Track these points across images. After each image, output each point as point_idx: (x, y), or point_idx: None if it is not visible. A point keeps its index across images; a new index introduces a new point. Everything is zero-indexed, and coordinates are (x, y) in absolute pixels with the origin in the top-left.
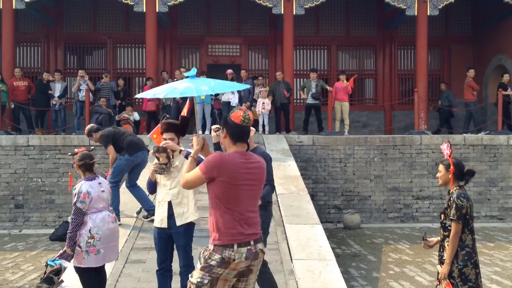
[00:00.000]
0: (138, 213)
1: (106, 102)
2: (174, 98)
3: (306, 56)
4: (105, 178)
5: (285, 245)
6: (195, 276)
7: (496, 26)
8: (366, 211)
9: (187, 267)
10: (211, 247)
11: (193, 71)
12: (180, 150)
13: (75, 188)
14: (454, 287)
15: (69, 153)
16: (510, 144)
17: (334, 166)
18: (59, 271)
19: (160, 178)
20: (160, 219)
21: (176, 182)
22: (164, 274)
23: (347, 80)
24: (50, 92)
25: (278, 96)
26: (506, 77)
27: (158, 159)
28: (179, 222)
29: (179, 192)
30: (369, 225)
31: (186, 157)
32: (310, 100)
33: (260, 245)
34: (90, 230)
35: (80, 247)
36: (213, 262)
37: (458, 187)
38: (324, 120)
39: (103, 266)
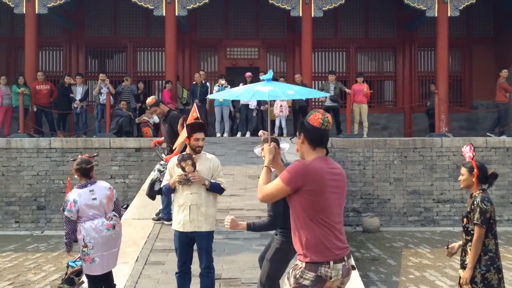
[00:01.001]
0: (157, 215)
1: (126, 105)
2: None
3: (324, 58)
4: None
5: None
6: None
7: None
8: (385, 215)
9: (208, 268)
10: (302, 264)
11: (270, 73)
12: (206, 182)
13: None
14: None
15: (71, 159)
16: None
17: (353, 168)
18: (79, 272)
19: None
20: (182, 223)
21: (198, 187)
22: (183, 277)
23: (367, 85)
24: (71, 95)
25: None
26: None
27: (183, 169)
28: (201, 228)
29: (201, 196)
30: (389, 229)
31: (211, 189)
32: (328, 103)
33: (351, 261)
34: (83, 239)
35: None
36: (306, 282)
37: (481, 191)
38: (342, 123)
39: (109, 273)
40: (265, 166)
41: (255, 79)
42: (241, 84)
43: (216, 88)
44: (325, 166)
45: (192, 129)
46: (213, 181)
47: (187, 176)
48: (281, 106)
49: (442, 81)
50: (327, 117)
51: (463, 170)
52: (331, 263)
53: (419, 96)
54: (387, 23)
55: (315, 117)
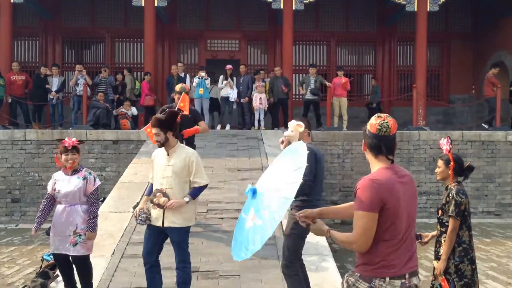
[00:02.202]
0: (134, 207)
1: (104, 96)
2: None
3: (305, 52)
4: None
5: (281, 241)
6: None
7: (497, 22)
8: None
9: (183, 262)
10: (357, 273)
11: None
12: (185, 199)
13: (90, 173)
14: (449, 283)
15: (57, 139)
16: (508, 140)
17: (332, 161)
18: (54, 266)
19: (156, 177)
20: (156, 217)
21: (172, 181)
22: (152, 270)
23: (347, 78)
24: (47, 86)
25: (276, 91)
26: None
27: (159, 205)
28: (175, 223)
29: (175, 192)
30: None
31: (194, 197)
32: (309, 96)
33: (415, 280)
34: None
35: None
36: None
37: (456, 183)
38: (322, 116)
39: None
40: (327, 233)
41: (236, 72)
42: (221, 76)
43: (196, 80)
44: (393, 176)
45: (151, 122)
46: (195, 185)
47: (140, 218)
48: (260, 98)
49: (421, 76)
50: (387, 122)
51: (440, 163)
52: (387, 278)
53: (398, 90)
54: (367, 17)
55: (373, 122)
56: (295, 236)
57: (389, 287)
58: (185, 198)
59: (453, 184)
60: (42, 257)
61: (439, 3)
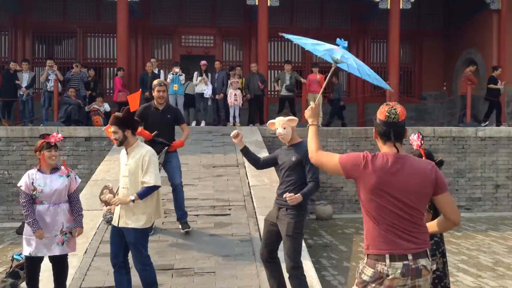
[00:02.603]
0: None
1: (75, 92)
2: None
3: (280, 48)
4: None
5: (257, 237)
6: None
7: (467, 20)
8: (338, 202)
9: (142, 265)
10: (365, 259)
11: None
12: (132, 200)
13: (70, 171)
14: None
15: (41, 135)
16: (478, 136)
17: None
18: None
19: (120, 176)
20: (115, 217)
21: (128, 181)
22: (119, 271)
23: (322, 73)
24: (17, 82)
25: (252, 88)
26: (498, 71)
27: (106, 202)
28: (128, 224)
29: (129, 192)
30: (341, 216)
31: (141, 197)
32: (284, 92)
33: (423, 261)
34: None
35: (71, 233)
36: (366, 278)
37: None
38: (298, 112)
39: None
40: (313, 124)
41: (210, 68)
42: (196, 72)
43: (170, 76)
44: (387, 165)
45: (110, 120)
46: (144, 184)
47: (104, 219)
48: (235, 95)
49: (393, 73)
50: (395, 109)
51: None
52: (387, 260)
53: (371, 86)
54: (342, 15)
55: (381, 110)
56: (299, 236)
57: (391, 270)
58: (130, 197)
59: None
60: (12, 256)
61: (412, 1)
